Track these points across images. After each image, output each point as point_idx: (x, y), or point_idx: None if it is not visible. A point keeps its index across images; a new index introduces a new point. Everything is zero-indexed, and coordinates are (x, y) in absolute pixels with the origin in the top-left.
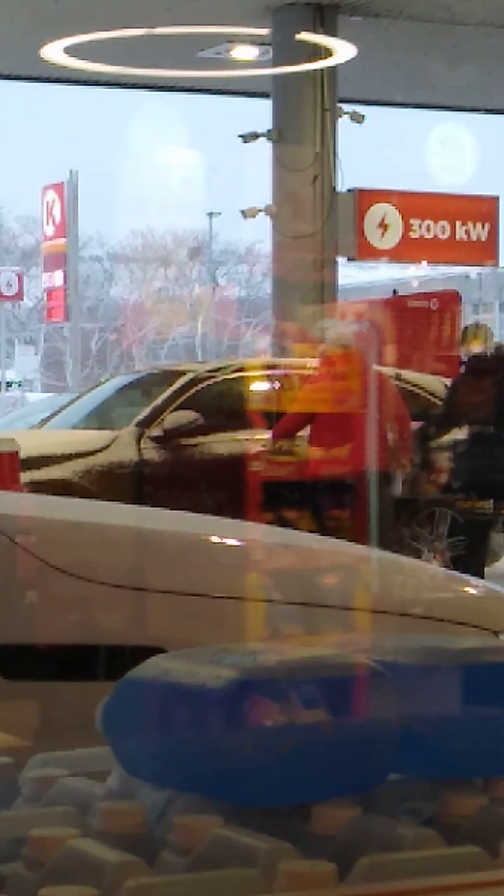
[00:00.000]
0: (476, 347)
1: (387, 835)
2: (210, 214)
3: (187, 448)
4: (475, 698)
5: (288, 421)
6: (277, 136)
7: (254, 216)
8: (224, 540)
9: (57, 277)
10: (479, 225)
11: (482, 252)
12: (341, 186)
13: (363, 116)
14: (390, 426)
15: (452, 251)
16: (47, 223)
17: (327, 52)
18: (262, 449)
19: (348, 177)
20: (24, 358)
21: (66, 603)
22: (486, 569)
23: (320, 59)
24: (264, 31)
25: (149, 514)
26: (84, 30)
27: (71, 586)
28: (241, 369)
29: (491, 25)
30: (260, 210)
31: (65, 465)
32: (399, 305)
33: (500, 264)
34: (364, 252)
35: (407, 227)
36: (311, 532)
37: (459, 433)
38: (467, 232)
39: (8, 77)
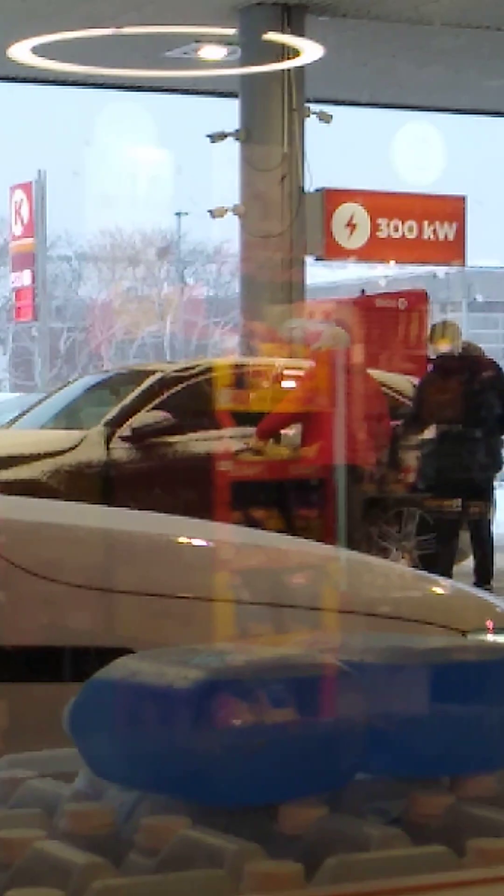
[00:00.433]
0: (444, 346)
1: (354, 834)
2: (178, 214)
3: (156, 448)
4: (442, 698)
5: (274, 419)
6: (245, 135)
7: (222, 216)
8: (191, 540)
9: (25, 277)
10: (446, 224)
11: (449, 251)
12: (309, 186)
13: (331, 116)
14: (371, 425)
15: (420, 251)
16: (15, 223)
17: (295, 52)
18: (231, 449)
19: (316, 176)
20: None
21: (32, 604)
22: (453, 567)
23: (288, 58)
24: (232, 31)
25: (116, 514)
26: (51, 29)
27: (37, 587)
28: (209, 369)
29: (458, 25)
30: (228, 210)
31: (33, 465)
32: (367, 305)
33: (468, 264)
34: (332, 251)
35: (374, 227)
36: (279, 532)
37: (428, 432)
38: (434, 231)
39: None
